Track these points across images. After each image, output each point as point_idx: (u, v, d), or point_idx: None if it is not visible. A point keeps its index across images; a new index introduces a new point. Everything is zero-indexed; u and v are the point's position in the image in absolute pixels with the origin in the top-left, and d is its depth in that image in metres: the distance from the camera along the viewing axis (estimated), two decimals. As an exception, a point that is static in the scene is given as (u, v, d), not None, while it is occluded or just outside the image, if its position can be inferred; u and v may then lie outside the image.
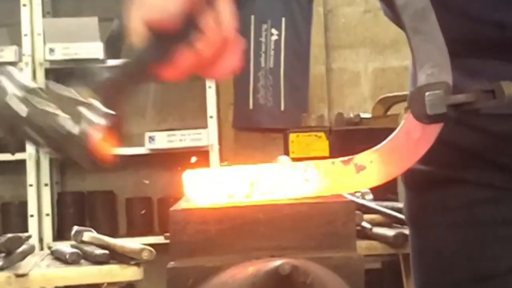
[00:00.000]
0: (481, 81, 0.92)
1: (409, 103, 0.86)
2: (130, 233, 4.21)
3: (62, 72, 4.22)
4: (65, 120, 0.84)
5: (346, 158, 0.87)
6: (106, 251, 2.54)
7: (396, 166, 0.87)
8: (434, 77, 0.85)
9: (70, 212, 4.21)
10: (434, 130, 0.88)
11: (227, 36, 0.91)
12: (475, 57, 1.03)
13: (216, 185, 0.86)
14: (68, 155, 0.86)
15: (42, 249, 3.79)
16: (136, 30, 0.91)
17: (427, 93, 0.84)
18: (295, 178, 0.85)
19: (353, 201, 0.85)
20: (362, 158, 0.87)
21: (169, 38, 0.89)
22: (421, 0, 0.86)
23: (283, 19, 4.23)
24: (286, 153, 3.60)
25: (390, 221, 2.68)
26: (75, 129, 0.84)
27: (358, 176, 0.86)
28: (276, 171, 0.85)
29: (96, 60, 4.03)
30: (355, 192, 2.77)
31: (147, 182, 4.33)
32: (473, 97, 0.85)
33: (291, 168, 0.85)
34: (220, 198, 0.85)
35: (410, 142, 0.88)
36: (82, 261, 2.56)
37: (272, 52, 4.21)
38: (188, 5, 0.90)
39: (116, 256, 2.53)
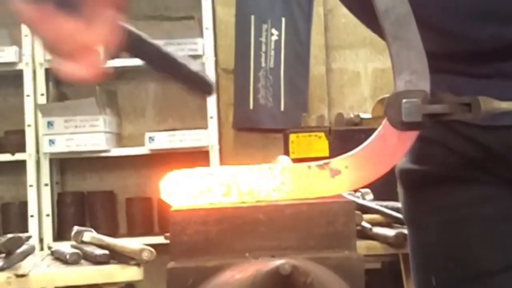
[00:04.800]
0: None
1: (385, 108, 0.87)
2: (130, 233, 4.21)
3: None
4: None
5: (322, 162, 0.87)
6: (106, 251, 2.54)
7: (371, 172, 0.88)
8: (412, 85, 0.86)
9: (70, 212, 4.21)
10: (411, 136, 0.88)
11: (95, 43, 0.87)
12: (448, 73, 1.03)
13: (192, 187, 0.86)
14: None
15: (42, 249, 3.79)
16: None
17: (404, 100, 0.85)
18: (271, 180, 0.86)
19: (353, 201, 0.85)
20: (337, 163, 0.87)
21: None
22: (403, 6, 0.86)
23: (283, 19, 4.23)
24: (286, 153, 3.60)
25: (390, 221, 2.68)
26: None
27: (333, 181, 0.87)
28: (252, 173, 0.86)
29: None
30: (355, 192, 2.78)
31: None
32: (449, 109, 0.86)
33: (268, 170, 0.86)
34: (196, 199, 0.86)
35: (385, 147, 0.88)
36: (82, 261, 2.57)
37: (272, 52, 4.22)
38: None
39: (116, 256, 2.54)
